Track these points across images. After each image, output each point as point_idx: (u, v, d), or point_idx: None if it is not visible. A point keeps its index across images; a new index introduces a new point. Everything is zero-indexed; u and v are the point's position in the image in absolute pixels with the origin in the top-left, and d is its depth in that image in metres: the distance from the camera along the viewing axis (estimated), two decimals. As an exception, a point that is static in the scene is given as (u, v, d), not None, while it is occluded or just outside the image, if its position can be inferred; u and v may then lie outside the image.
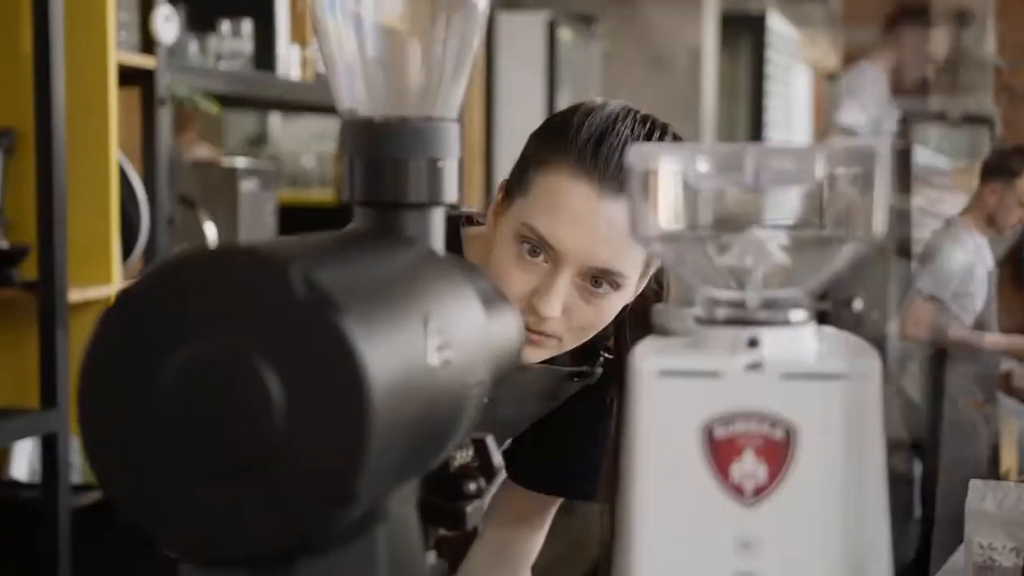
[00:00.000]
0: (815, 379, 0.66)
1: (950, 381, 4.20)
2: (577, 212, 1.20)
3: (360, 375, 0.59)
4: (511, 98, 4.79)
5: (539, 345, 1.24)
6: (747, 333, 0.69)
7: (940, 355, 4.23)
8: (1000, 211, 4.11)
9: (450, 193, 0.81)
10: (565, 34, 4.96)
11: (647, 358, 0.68)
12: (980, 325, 4.17)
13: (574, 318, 1.23)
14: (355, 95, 0.81)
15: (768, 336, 0.68)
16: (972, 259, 4.09)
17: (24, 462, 2.54)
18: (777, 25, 7.28)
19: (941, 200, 4.73)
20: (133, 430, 0.62)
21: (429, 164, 0.80)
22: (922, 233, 4.47)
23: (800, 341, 0.69)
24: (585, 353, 1.34)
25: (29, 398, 2.39)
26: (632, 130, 1.23)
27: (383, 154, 0.80)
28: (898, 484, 4.64)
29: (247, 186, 3.09)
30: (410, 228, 0.80)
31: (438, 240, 0.81)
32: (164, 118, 2.67)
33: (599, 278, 1.22)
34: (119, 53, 2.54)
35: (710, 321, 0.70)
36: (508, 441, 1.41)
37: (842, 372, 0.66)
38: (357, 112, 0.81)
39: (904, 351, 4.37)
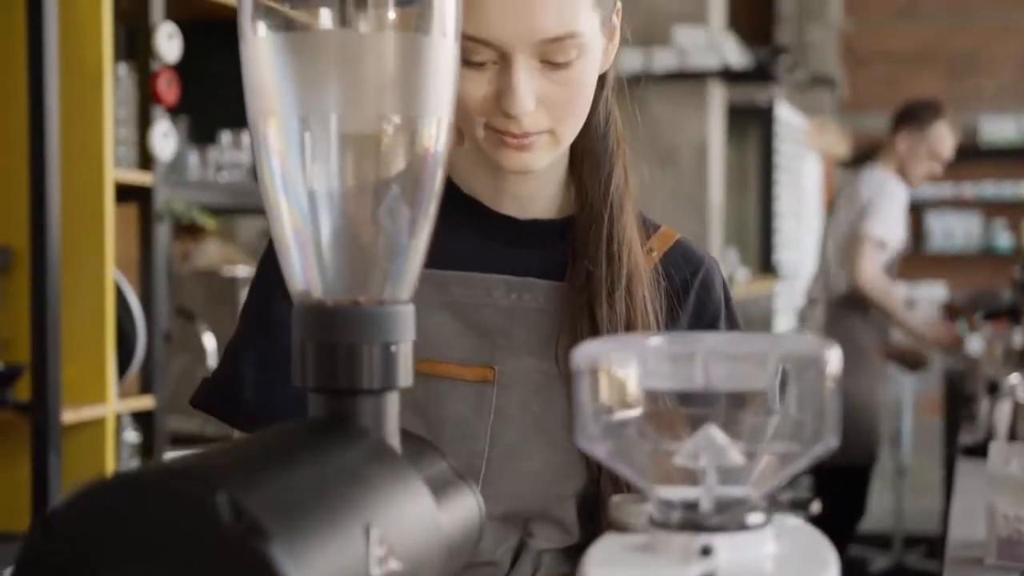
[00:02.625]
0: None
1: (857, 325, 4.21)
2: None
3: (285, 613, 0.57)
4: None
5: (532, 148, 1.14)
6: (700, 540, 0.66)
7: (849, 297, 4.22)
8: (910, 161, 4.25)
9: (405, 377, 0.79)
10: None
11: (599, 568, 0.66)
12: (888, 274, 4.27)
13: (552, 103, 1.12)
14: (308, 278, 0.80)
15: (723, 543, 0.66)
16: (904, 209, 4.27)
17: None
18: (785, 114, 7.31)
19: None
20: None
21: (383, 349, 0.78)
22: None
23: (757, 547, 0.67)
24: None
25: (21, 523, 2.36)
26: None
27: (336, 339, 0.78)
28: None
29: (248, 295, 3.08)
30: (363, 415, 0.78)
31: (392, 425, 0.79)
32: (162, 234, 2.67)
33: (555, 51, 1.11)
34: (117, 171, 2.54)
35: (663, 524, 0.68)
36: None
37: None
38: (311, 294, 0.80)
39: None
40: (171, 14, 2.74)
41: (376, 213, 0.81)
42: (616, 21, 1.21)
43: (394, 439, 0.78)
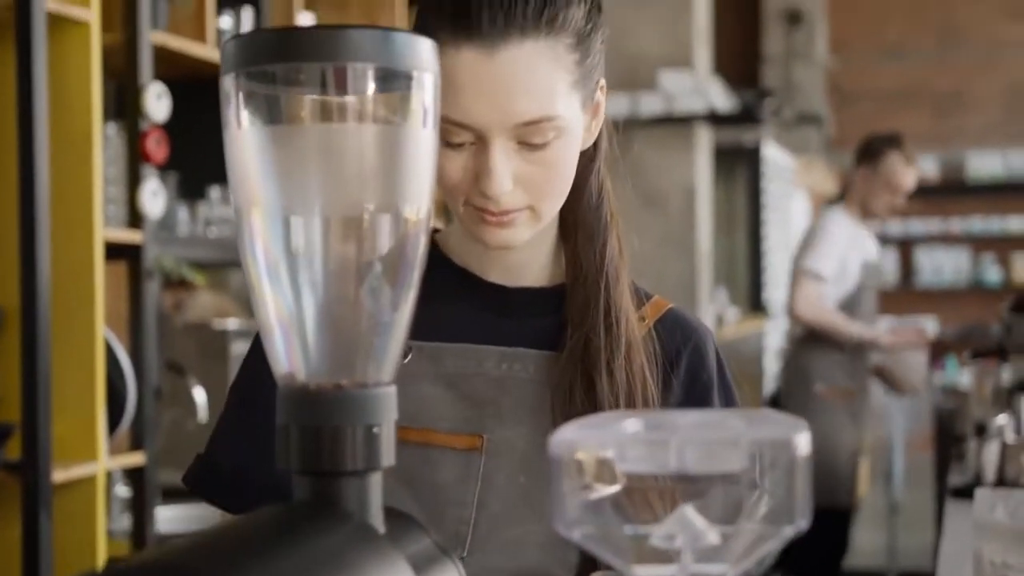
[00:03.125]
0: None
1: (813, 366, 4.16)
2: (471, 82, 1.10)
3: None
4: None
5: (511, 224, 1.15)
6: (678, 620, 0.68)
7: (806, 338, 4.25)
8: (868, 196, 4.30)
9: (388, 457, 0.81)
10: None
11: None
12: (848, 313, 4.30)
13: (530, 182, 1.13)
14: (292, 361, 0.82)
15: (700, 622, 0.68)
16: (846, 243, 4.27)
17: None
18: (772, 154, 7.36)
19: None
20: None
21: (365, 431, 0.80)
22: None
23: (732, 627, 0.69)
24: None
25: (12, 583, 2.36)
26: None
27: (319, 422, 0.80)
28: None
29: (238, 348, 3.10)
30: (347, 496, 0.79)
31: (376, 505, 0.81)
32: (151, 291, 2.69)
33: (532, 133, 1.11)
34: (106, 229, 2.56)
35: (642, 604, 0.70)
36: None
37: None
38: (295, 377, 0.81)
39: None
40: (159, 71, 2.77)
41: (358, 297, 0.82)
42: (600, 97, 1.22)
43: (377, 519, 0.80)
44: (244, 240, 0.81)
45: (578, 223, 1.24)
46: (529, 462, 1.17)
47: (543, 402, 1.18)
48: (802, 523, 0.68)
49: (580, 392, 1.18)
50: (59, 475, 2.41)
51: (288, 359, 0.81)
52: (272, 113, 0.82)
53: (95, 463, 2.50)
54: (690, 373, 1.25)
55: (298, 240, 0.80)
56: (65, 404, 2.47)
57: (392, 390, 0.81)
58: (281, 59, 0.79)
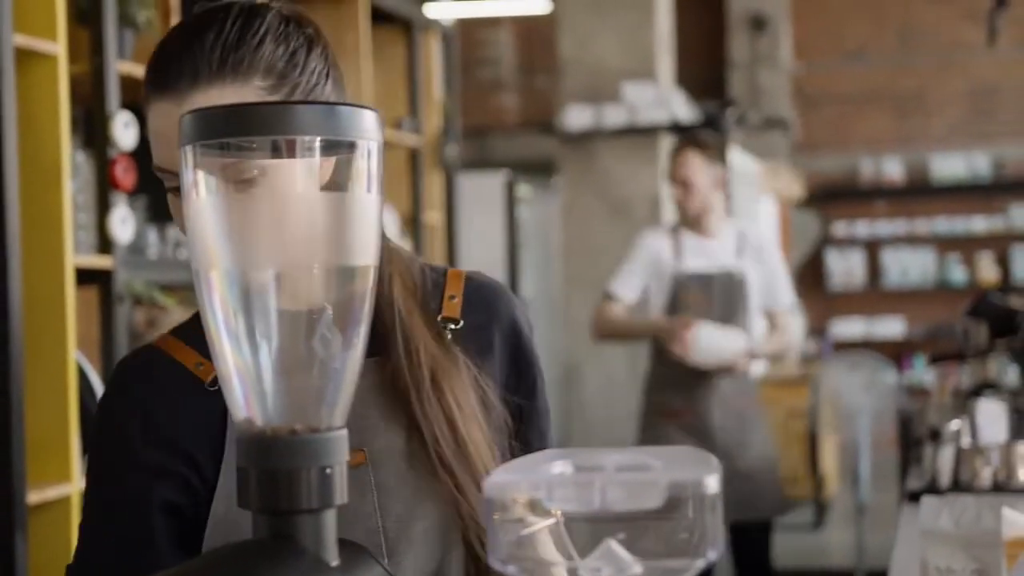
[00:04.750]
0: None
1: (652, 386, 4.06)
2: (164, 129, 1.19)
3: None
4: (472, 253, 4.89)
5: None
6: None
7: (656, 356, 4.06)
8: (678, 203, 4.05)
9: (340, 495, 0.88)
10: (524, 190, 5.08)
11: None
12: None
13: None
14: (249, 408, 0.88)
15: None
16: (651, 259, 4.05)
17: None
18: (737, 160, 7.44)
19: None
20: None
21: (319, 472, 0.87)
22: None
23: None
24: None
25: (-13, 606, 2.41)
26: (205, 16, 1.20)
27: (276, 465, 0.86)
28: None
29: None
30: (303, 533, 0.86)
31: (330, 540, 0.87)
32: (122, 314, 2.74)
33: (234, 173, 1.03)
34: (77, 256, 2.61)
35: (570, 632, 0.76)
36: None
37: None
38: (254, 423, 0.88)
39: None
40: (126, 98, 2.82)
41: (310, 347, 0.89)
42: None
43: (332, 552, 0.87)
44: (202, 296, 0.88)
45: None
46: (412, 456, 1.24)
47: (399, 401, 1.25)
48: (713, 555, 0.75)
49: (411, 415, 1.25)
50: (34, 496, 2.46)
51: (246, 406, 0.88)
52: (225, 182, 0.89)
53: (69, 484, 2.55)
54: (506, 337, 1.32)
55: (253, 296, 0.87)
56: (38, 427, 2.52)
57: (343, 433, 0.88)
58: (233, 133, 0.86)
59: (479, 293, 1.33)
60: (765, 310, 4.05)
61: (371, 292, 0.90)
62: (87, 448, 1.34)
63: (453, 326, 1.29)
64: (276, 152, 0.87)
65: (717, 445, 3.86)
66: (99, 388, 2.67)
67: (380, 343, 1.26)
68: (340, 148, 0.87)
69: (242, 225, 0.87)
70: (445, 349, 1.28)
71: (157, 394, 1.25)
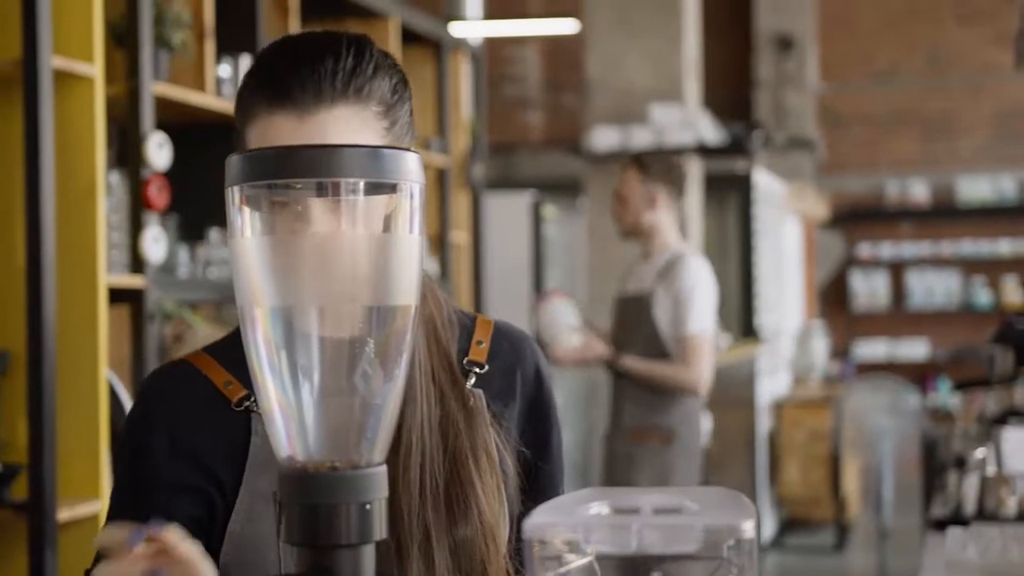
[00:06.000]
0: None
1: (626, 409, 3.99)
2: (279, 142, 1.16)
3: None
4: (497, 272, 4.90)
5: None
6: None
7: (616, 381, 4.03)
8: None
9: (380, 531, 0.89)
10: (549, 211, 5.09)
11: None
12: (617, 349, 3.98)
13: None
14: (291, 444, 0.90)
15: None
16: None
17: None
18: (763, 180, 7.45)
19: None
20: None
21: (359, 508, 0.88)
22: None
23: None
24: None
25: (18, 621, 2.44)
26: (314, 39, 1.21)
27: (317, 500, 0.88)
28: None
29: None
30: (342, 568, 0.88)
31: (368, 575, 0.89)
32: (152, 333, 2.77)
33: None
34: (109, 275, 2.64)
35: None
36: None
37: None
38: (295, 459, 0.90)
39: None
40: (160, 119, 2.85)
41: (352, 384, 0.91)
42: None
43: (370, 590, 0.88)
44: (246, 333, 0.90)
45: None
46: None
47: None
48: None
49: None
50: (64, 514, 2.49)
51: (288, 442, 0.90)
52: (272, 222, 0.91)
53: (99, 501, 2.57)
54: (527, 387, 1.33)
55: (296, 333, 0.89)
56: (69, 445, 2.55)
57: (383, 469, 0.90)
58: (280, 175, 0.87)
59: (506, 340, 1.34)
60: (675, 337, 3.92)
61: (412, 329, 0.91)
62: (114, 457, 1.36)
63: (478, 370, 1.30)
64: (321, 193, 0.89)
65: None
66: (128, 407, 2.70)
67: None
68: (383, 189, 0.89)
69: (287, 264, 0.89)
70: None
71: (183, 409, 1.27)
